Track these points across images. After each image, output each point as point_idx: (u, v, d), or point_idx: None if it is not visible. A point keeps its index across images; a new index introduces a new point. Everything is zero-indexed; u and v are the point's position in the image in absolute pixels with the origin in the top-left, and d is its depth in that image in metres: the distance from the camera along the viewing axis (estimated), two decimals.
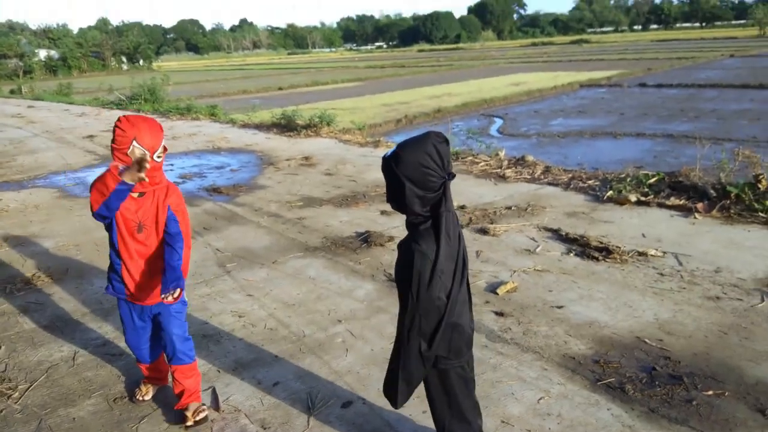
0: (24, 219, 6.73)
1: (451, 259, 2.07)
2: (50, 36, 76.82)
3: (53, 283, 4.82)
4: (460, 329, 2.14)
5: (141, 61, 73.70)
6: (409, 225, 2.11)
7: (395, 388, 2.17)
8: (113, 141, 2.60)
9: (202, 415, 2.92)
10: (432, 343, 2.07)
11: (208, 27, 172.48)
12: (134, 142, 2.56)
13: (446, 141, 2.06)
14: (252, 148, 10.77)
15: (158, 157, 2.65)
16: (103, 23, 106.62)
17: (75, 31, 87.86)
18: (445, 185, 2.05)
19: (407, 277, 2.02)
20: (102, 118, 16.78)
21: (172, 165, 9.51)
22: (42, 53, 65.55)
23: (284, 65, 63.52)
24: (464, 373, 2.26)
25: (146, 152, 2.59)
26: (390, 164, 2.03)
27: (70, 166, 9.88)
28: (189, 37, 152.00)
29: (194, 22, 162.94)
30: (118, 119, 2.62)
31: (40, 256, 5.47)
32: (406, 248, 2.07)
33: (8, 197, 7.82)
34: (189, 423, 2.88)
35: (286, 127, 12.56)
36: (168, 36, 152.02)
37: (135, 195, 2.69)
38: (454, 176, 2.08)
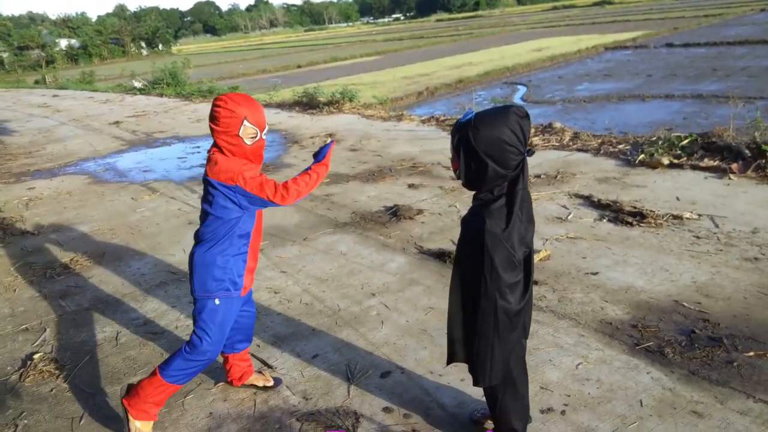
0: (58, 206, 6.87)
1: (522, 241, 2.02)
2: (70, 25, 77.55)
3: (91, 267, 4.93)
4: (529, 307, 2.15)
5: (160, 46, 74.00)
6: (479, 202, 2.03)
7: (489, 365, 2.12)
8: (216, 123, 2.40)
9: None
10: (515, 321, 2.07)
11: (224, 8, 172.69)
12: (245, 122, 2.38)
13: (527, 116, 1.97)
14: (276, 127, 10.79)
15: (265, 135, 2.52)
16: (120, 9, 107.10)
17: (94, 19, 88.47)
18: (524, 162, 1.97)
19: (475, 258, 1.97)
20: (126, 104, 16.94)
21: (198, 147, 9.59)
22: (63, 43, 66.20)
23: (302, 42, 63.22)
24: (523, 351, 2.26)
25: (258, 130, 2.44)
26: (468, 139, 1.93)
27: (99, 152, 10.02)
28: (206, 19, 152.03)
29: (210, 4, 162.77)
30: (220, 99, 2.42)
31: (77, 241, 5.59)
32: (475, 229, 1.99)
33: (41, 185, 7.98)
34: (269, 383, 3.03)
35: (308, 104, 12.55)
36: (185, 19, 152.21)
37: None
38: (533, 153, 2.01)
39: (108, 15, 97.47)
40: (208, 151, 2.52)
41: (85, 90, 24.39)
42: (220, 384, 3.12)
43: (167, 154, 9.38)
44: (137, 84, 21.02)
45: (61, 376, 3.36)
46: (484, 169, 1.94)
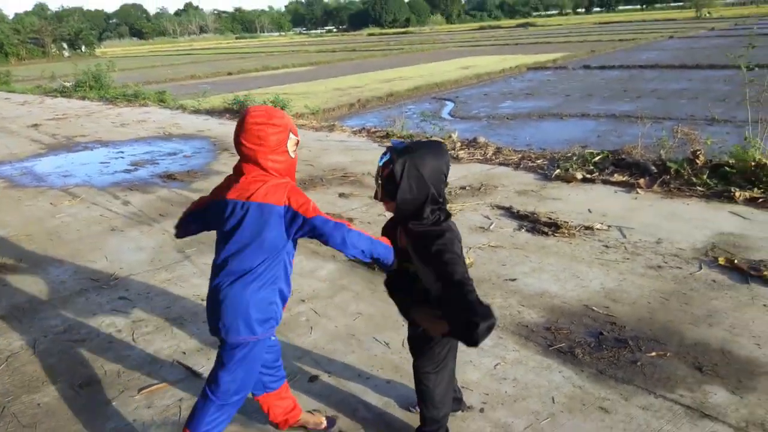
0: None
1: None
2: None
3: (7, 274, 4.73)
4: None
5: (83, 48, 70.95)
6: (422, 228, 2.18)
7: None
8: (262, 143, 2.14)
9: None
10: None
11: (152, 11, 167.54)
12: (291, 134, 2.22)
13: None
14: (205, 133, 10.64)
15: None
16: (40, 8, 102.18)
17: (11, 16, 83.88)
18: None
19: (444, 260, 2.09)
20: (46, 106, 16.22)
21: (122, 152, 9.33)
22: None
23: (233, 50, 62.33)
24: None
25: (298, 139, 2.30)
26: (415, 166, 2.12)
27: (16, 155, 9.57)
28: (132, 22, 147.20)
29: (138, 7, 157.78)
30: (257, 116, 2.16)
31: None
32: (437, 237, 2.13)
33: None
34: (321, 426, 2.74)
35: (239, 112, 12.43)
36: (111, 21, 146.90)
37: None
38: (447, 184, 2.27)
39: (27, 13, 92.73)
40: (239, 174, 2.23)
41: (0, 91, 23.13)
42: (144, 391, 3.09)
43: (89, 158, 9.07)
44: (64, 83, 20.12)
45: None
46: (426, 194, 2.14)
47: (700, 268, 4.18)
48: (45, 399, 3.09)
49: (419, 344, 2.45)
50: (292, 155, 2.25)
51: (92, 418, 2.90)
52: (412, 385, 3.01)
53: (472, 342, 1.91)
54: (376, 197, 2.27)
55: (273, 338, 2.46)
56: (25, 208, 6.53)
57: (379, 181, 2.21)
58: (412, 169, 2.12)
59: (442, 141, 2.25)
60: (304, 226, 2.17)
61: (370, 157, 8.06)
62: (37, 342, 3.66)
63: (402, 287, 2.37)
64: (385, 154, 2.21)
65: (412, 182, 2.13)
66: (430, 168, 2.13)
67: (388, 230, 2.40)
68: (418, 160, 2.12)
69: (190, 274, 4.56)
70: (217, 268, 2.25)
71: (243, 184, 2.18)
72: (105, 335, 3.69)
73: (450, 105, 15.59)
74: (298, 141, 2.28)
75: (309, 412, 2.78)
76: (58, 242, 5.40)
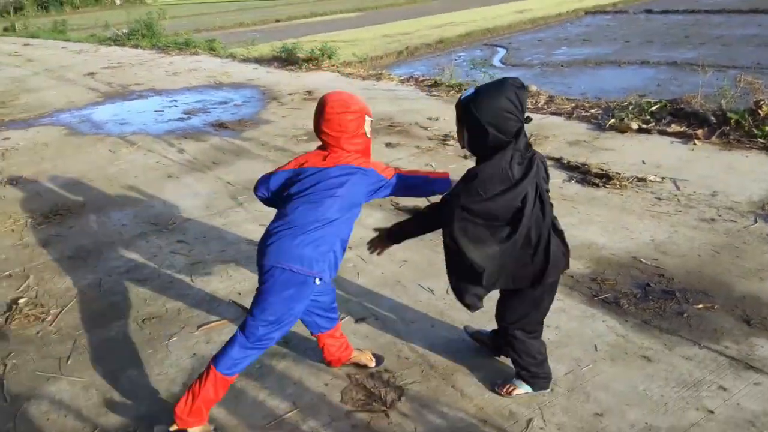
0: (35, 156, 6.85)
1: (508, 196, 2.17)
2: None
3: (72, 217, 5.00)
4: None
5: None
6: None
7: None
8: (343, 129, 2.38)
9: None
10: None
11: None
12: (366, 117, 2.44)
13: (523, 86, 2.16)
14: (254, 82, 10.73)
15: None
16: None
17: None
18: (522, 129, 2.16)
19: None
20: (101, 55, 16.58)
21: (175, 101, 9.53)
22: None
23: None
24: None
25: (372, 120, 2.52)
26: (470, 110, 2.14)
27: (74, 103, 9.90)
28: None
29: None
30: (334, 105, 2.39)
31: (56, 192, 5.63)
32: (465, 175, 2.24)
33: (17, 136, 7.91)
34: (371, 363, 2.88)
35: (287, 60, 12.44)
36: None
37: None
38: (530, 120, 2.22)
39: None
40: (330, 156, 2.42)
41: (57, 40, 23.68)
42: (203, 327, 3.28)
43: (144, 107, 9.31)
44: (117, 32, 20.47)
45: (46, 320, 3.48)
46: (485, 136, 2.14)
47: (755, 221, 4.08)
48: (111, 333, 3.32)
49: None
50: (369, 135, 2.49)
51: (155, 351, 3.11)
52: (455, 329, 3.11)
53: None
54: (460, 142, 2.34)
55: (326, 282, 2.53)
56: (85, 155, 6.81)
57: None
58: (472, 115, 2.14)
59: (512, 78, 2.22)
60: (385, 188, 2.51)
61: (417, 106, 8.01)
62: (103, 281, 3.90)
63: None
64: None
65: (473, 128, 2.16)
66: (488, 110, 2.10)
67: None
68: (476, 104, 2.13)
69: (243, 219, 4.72)
70: (289, 219, 2.35)
71: (329, 158, 2.41)
72: (165, 275, 3.90)
73: (502, 52, 15.19)
74: (371, 121, 2.50)
75: (358, 349, 2.91)
76: (118, 187, 5.65)
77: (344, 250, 2.45)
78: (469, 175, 2.19)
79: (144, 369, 2.97)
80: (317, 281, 2.34)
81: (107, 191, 5.56)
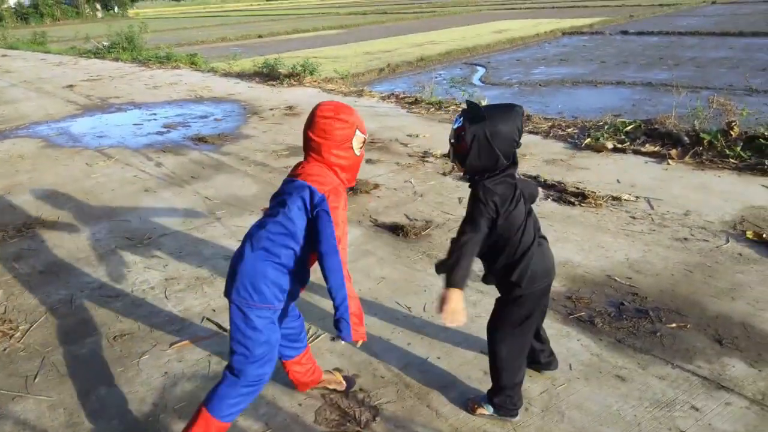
0: (10, 169, 6.75)
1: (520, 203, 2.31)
2: None
3: (45, 231, 4.92)
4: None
5: (116, 8, 71.38)
6: (475, 182, 2.31)
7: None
8: (326, 136, 2.20)
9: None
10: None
11: None
12: (357, 131, 2.25)
13: (523, 114, 2.28)
14: (235, 97, 10.72)
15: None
16: None
17: None
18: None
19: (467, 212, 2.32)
20: (80, 67, 16.46)
21: (155, 114, 9.47)
22: (12, 0, 63.14)
23: (263, 12, 62.00)
24: None
25: (365, 137, 2.33)
26: (483, 135, 2.18)
27: (52, 116, 9.79)
28: None
29: None
30: (326, 110, 2.23)
31: (30, 205, 5.54)
32: (473, 194, 2.29)
33: None
34: (340, 387, 2.82)
35: (269, 75, 12.47)
36: None
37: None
38: (520, 145, 2.31)
39: None
40: (302, 167, 2.29)
41: (36, 51, 23.49)
42: (175, 345, 3.23)
43: (123, 120, 9.23)
44: (98, 44, 20.35)
45: (14, 336, 3.40)
46: (495, 160, 2.21)
47: (727, 241, 4.14)
48: (82, 350, 3.25)
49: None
50: (358, 152, 2.29)
51: (126, 369, 3.05)
52: (431, 347, 3.11)
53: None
54: (448, 157, 2.36)
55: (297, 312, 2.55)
56: (61, 168, 6.72)
57: (452, 141, 2.30)
58: (482, 139, 2.18)
59: (519, 106, 2.32)
60: (315, 212, 2.16)
61: (397, 123, 8.05)
62: (74, 297, 3.83)
63: None
64: (459, 116, 2.27)
65: (481, 151, 2.20)
66: (500, 136, 2.18)
67: None
68: (490, 129, 2.17)
69: (220, 234, 4.68)
70: (248, 232, 2.34)
71: (298, 168, 2.31)
72: (139, 291, 3.84)
73: (481, 70, 15.37)
74: (365, 139, 2.31)
75: (328, 371, 2.87)
76: (94, 201, 5.58)
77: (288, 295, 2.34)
78: (486, 198, 2.24)
79: (113, 388, 2.91)
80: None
81: (82, 205, 5.49)
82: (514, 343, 2.48)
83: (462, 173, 2.36)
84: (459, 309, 2.23)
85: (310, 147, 2.25)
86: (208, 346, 3.22)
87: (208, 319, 3.48)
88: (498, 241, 2.31)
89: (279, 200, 2.27)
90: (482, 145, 2.19)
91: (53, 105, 10.82)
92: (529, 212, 2.38)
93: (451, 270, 2.25)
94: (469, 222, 2.28)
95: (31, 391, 2.93)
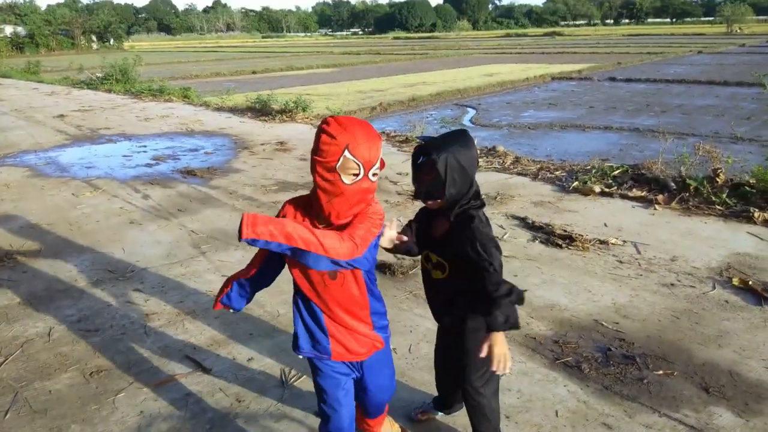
0: None
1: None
2: (17, 12, 74.60)
3: (27, 261, 4.84)
4: None
5: (112, 41, 72.24)
6: (462, 212, 2.22)
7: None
8: (317, 152, 1.86)
9: None
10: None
11: (180, 7, 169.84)
12: (346, 152, 1.82)
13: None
14: (226, 131, 10.76)
15: (374, 175, 1.92)
16: (72, 1, 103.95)
17: (43, 7, 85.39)
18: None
19: (477, 251, 2.12)
20: (72, 98, 16.51)
21: (144, 146, 9.47)
22: (8, 29, 63.73)
23: (258, 49, 62.86)
24: None
25: (361, 166, 1.86)
26: (456, 161, 2.13)
27: (41, 145, 9.76)
28: (161, 17, 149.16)
29: (167, 2, 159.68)
30: (325, 121, 1.88)
31: (13, 234, 5.46)
32: (470, 219, 2.18)
33: None
34: None
35: (261, 111, 12.56)
36: (140, 15, 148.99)
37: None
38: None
39: (59, 5, 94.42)
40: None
41: (29, 80, 23.58)
42: (153, 383, 3.15)
43: (112, 151, 9.22)
44: (92, 75, 20.48)
45: None
46: (470, 184, 2.19)
47: (714, 287, 4.14)
48: (57, 386, 3.16)
49: (457, 355, 2.40)
50: (346, 181, 1.85)
51: (101, 407, 2.96)
52: (415, 390, 3.05)
53: (493, 325, 2.06)
54: (417, 197, 2.26)
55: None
56: (47, 198, 6.66)
57: (420, 183, 2.22)
58: (455, 164, 2.14)
59: (466, 130, 2.30)
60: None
61: (388, 161, 8.08)
62: (52, 330, 3.74)
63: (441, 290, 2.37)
64: (419, 153, 2.20)
65: (456, 176, 2.15)
66: (466, 157, 2.16)
67: (419, 219, 2.42)
68: (457, 153, 2.14)
69: (205, 269, 4.63)
70: None
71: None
72: (118, 326, 3.76)
73: (472, 112, 15.56)
74: (359, 169, 1.85)
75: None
76: (78, 232, 5.51)
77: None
78: (481, 226, 2.18)
79: (87, 426, 2.82)
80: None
81: (66, 236, 5.42)
82: (495, 383, 2.43)
83: (438, 207, 2.24)
84: (508, 352, 2.12)
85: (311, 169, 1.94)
86: (187, 385, 3.14)
87: (189, 356, 3.40)
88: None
89: None
90: (456, 170, 2.14)
91: (43, 134, 10.80)
92: None
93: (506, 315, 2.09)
94: (494, 256, 2.12)
95: (2, 428, 2.83)
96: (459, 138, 2.20)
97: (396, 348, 3.45)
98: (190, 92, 16.25)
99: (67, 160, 8.60)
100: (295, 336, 2.15)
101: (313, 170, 1.87)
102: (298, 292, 2.13)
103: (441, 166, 2.12)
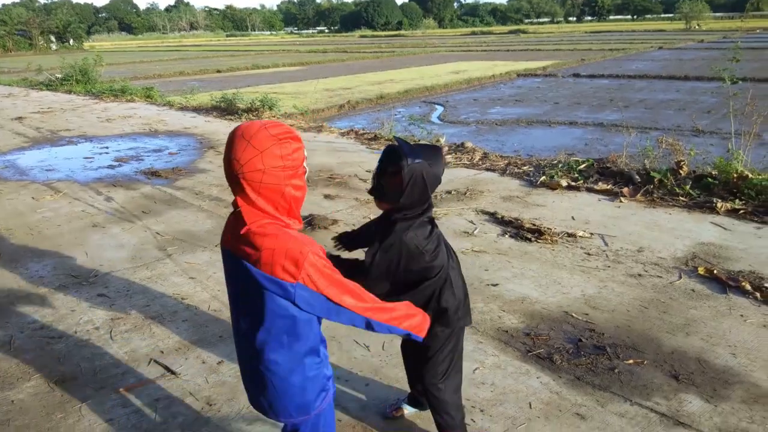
0: None
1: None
2: None
3: None
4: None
5: (71, 41, 70.49)
6: (402, 220, 2.21)
7: None
8: (283, 164, 1.68)
9: None
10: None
11: (142, 6, 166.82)
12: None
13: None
14: (191, 131, 10.58)
15: None
16: (29, 0, 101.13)
17: None
18: None
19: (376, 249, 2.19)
20: (31, 99, 16.05)
21: (106, 148, 9.25)
22: None
23: (223, 47, 62.09)
24: None
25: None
26: (422, 178, 2.15)
27: None
28: (122, 17, 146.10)
29: (128, 2, 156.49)
30: (285, 133, 1.70)
31: None
32: (400, 229, 2.20)
33: None
34: None
35: (227, 110, 12.39)
36: (100, 15, 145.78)
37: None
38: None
39: (15, 5, 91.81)
40: (240, 213, 1.68)
41: None
42: (120, 389, 3.06)
43: (73, 153, 8.99)
44: (51, 76, 19.93)
45: None
46: (426, 200, 2.22)
47: (680, 277, 4.22)
48: (19, 396, 3.05)
49: (413, 353, 2.47)
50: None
51: (66, 416, 2.87)
52: (390, 387, 3.03)
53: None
54: (371, 193, 2.25)
55: None
56: (6, 202, 6.45)
57: (380, 182, 2.20)
58: (419, 178, 2.15)
59: (440, 147, 2.39)
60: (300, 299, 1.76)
61: (357, 158, 8.05)
62: (14, 338, 3.62)
63: None
64: (389, 155, 2.18)
65: (415, 191, 2.16)
66: (432, 176, 2.19)
67: (370, 226, 2.47)
68: (426, 170, 2.15)
69: (171, 272, 4.53)
70: None
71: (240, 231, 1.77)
72: (83, 332, 3.65)
73: (440, 109, 15.62)
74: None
75: None
76: (39, 237, 5.35)
77: None
78: (405, 236, 2.19)
79: None
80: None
81: (26, 241, 5.26)
82: (456, 379, 2.45)
83: (384, 209, 2.26)
84: None
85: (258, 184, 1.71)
86: (155, 390, 3.06)
87: (156, 361, 3.32)
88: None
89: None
90: (417, 185, 2.15)
91: (0, 137, 10.47)
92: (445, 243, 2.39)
93: None
94: (379, 263, 2.18)
95: None
96: (430, 155, 2.21)
97: (370, 346, 3.43)
98: (152, 92, 15.95)
99: (27, 163, 8.36)
100: (328, 379, 1.96)
101: (282, 186, 1.68)
102: (322, 340, 1.96)
103: (406, 177, 2.13)
